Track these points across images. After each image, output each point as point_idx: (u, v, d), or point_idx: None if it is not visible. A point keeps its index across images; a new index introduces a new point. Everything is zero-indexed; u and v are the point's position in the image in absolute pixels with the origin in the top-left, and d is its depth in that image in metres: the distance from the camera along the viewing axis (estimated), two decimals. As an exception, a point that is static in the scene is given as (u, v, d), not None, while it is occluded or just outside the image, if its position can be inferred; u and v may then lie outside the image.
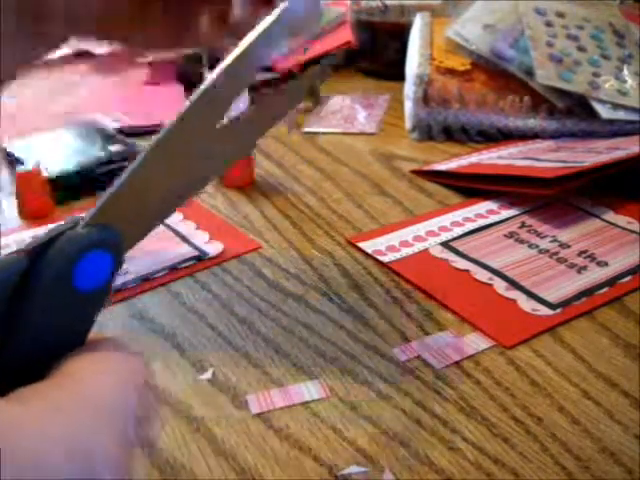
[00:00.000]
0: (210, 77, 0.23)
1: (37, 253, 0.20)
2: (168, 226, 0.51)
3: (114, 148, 0.59)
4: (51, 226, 0.21)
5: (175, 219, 0.52)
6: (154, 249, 0.48)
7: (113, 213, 0.21)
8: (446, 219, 0.50)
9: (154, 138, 0.22)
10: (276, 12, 0.25)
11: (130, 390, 0.21)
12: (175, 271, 0.46)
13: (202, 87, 0.23)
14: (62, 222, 0.21)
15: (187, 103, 0.23)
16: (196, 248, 0.48)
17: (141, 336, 0.40)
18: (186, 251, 0.48)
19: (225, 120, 0.24)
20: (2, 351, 0.21)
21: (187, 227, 0.51)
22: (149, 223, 0.23)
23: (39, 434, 0.17)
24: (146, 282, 0.44)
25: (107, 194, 0.21)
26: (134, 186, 0.22)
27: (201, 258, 0.47)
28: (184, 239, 0.49)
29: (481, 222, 0.50)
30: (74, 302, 0.21)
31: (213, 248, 0.48)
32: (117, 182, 0.21)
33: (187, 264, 0.46)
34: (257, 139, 0.27)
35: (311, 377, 0.36)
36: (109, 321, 0.41)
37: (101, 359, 0.21)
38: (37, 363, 0.21)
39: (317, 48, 0.89)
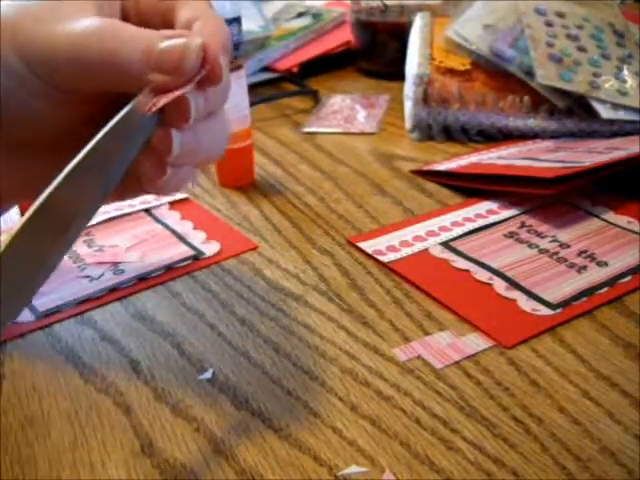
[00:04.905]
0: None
1: None
2: (165, 226, 0.51)
3: None
4: None
5: (173, 219, 0.52)
6: (150, 248, 0.48)
7: None
8: (446, 219, 0.50)
9: None
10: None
11: None
12: (171, 271, 0.46)
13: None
14: None
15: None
16: (192, 248, 0.48)
17: (141, 336, 0.40)
18: (182, 251, 0.48)
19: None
20: None
21: (184, 227, 0.51)
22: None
23: None
24: (142, 281, 0.44)
25: None
26: None
27: (197, 258, 0.47)
28: (181, 239, 0.49)
29: (481, 222, 0.50)
30: None
31: (210, 248, 0.48)
32: None
33: (183, 264, 0.46)
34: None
35: (311, 377, 0.36)
36: (109, 321, 0.41)
37: None
38: None
39: (317, 48, 0.89)
